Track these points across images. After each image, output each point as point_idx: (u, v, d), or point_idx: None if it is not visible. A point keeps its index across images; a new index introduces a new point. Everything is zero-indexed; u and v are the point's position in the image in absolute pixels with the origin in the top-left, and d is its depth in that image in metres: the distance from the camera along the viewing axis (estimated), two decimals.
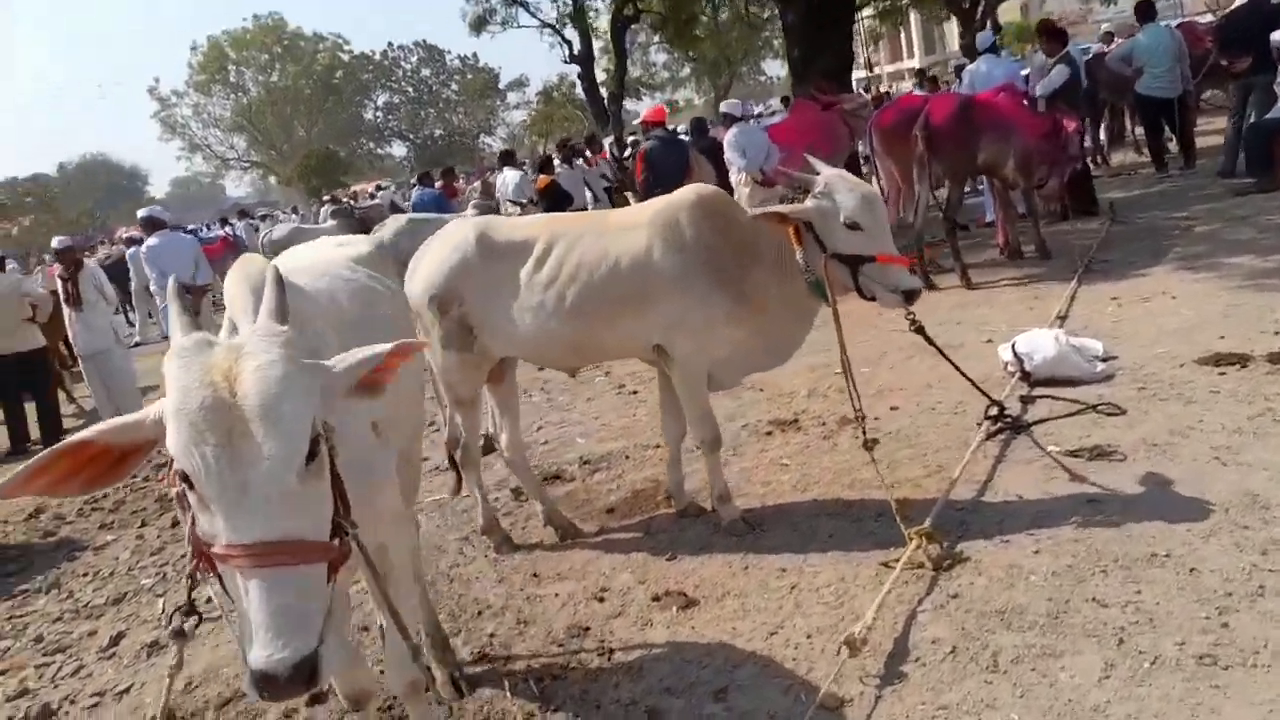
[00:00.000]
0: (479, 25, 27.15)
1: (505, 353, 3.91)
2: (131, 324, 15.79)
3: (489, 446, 5.40)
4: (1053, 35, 9.26)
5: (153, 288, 10.09)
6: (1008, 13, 41.82)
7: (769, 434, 5.01)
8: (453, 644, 3.43)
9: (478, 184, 17.17)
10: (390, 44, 60.10)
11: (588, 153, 14.00)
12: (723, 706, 2.79)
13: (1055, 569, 3.14)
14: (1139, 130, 12.33)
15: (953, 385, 4.69)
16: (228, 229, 21.85)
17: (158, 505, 5.85)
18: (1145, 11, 10.47)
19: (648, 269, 3.58)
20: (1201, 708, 2.39)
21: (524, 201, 11.35)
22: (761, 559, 3.63)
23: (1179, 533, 3.22)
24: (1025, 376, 4.93)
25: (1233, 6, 10.30)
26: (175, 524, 5.22)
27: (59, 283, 9.14)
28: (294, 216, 24.44)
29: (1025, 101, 8.26)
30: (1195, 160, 10.82)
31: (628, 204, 11.16)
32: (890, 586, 3.11)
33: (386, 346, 1.63)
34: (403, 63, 59.43)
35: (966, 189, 8.89)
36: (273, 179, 58.26)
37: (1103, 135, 13.01)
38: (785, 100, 16.27)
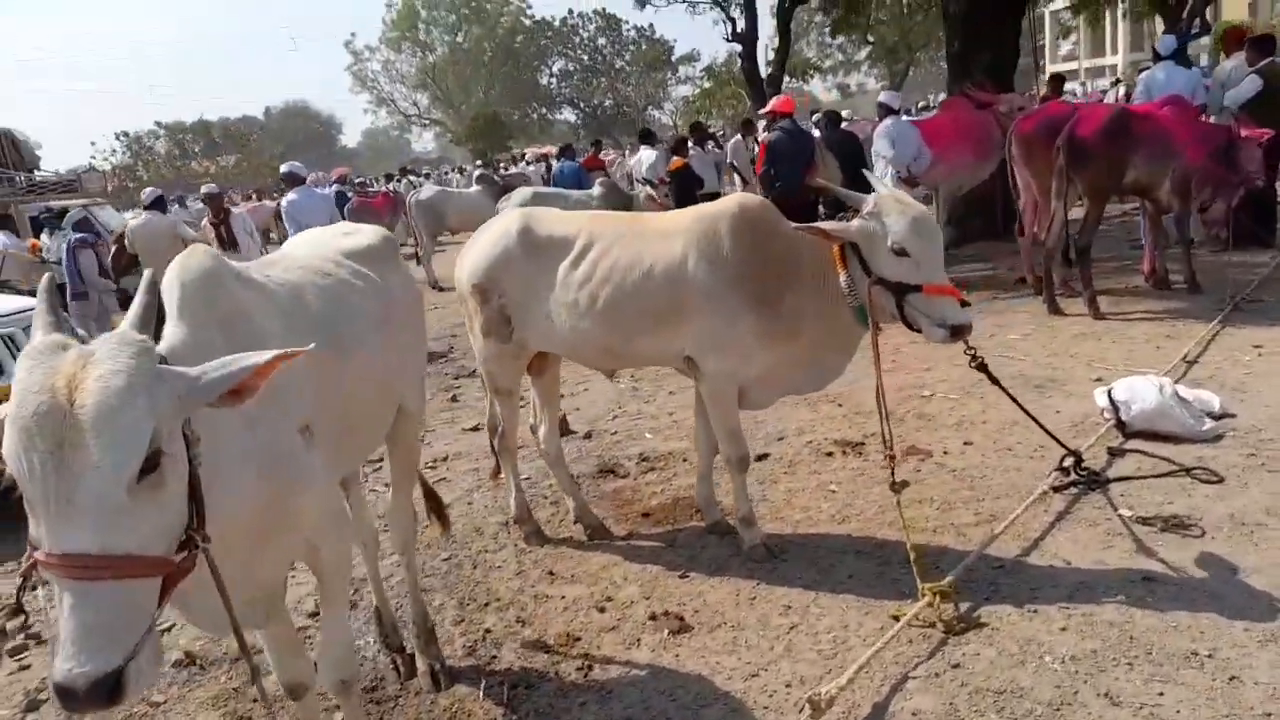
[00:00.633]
0: None
1: (541, 347, 3.88)
2: None
3: (564, 428, 5.39)
4: (1257, 44, 8.29)
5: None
6: (1232, 10, 37.79)
7: (829, 454, 4.77)
8: (450, 633, 3.47)
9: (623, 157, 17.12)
10: (570, 11, 61.09)
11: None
12: None
13: (1076, 652, 2.84)
14: None
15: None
16: (390, 185, 23.03)
17: None
18: None
19: (680, 279, 3.45)
20: None
21: (655, 180, 11.32)
22: (771, 591, 3.47)
23: (1232, 632, 2.85)
24: (1120, 426, 4.49)
25: None
26: None
27: (210, 228, 9.86)
28: (456, 175, 25.33)
29: (1198, 116, 7.43)
30: None
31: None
32: (884, 643, 2.90)
33: (260, 357, 1.59)
34: (581, 30, 60.35)
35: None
36: (449, 137, 60.78)
37: None
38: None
